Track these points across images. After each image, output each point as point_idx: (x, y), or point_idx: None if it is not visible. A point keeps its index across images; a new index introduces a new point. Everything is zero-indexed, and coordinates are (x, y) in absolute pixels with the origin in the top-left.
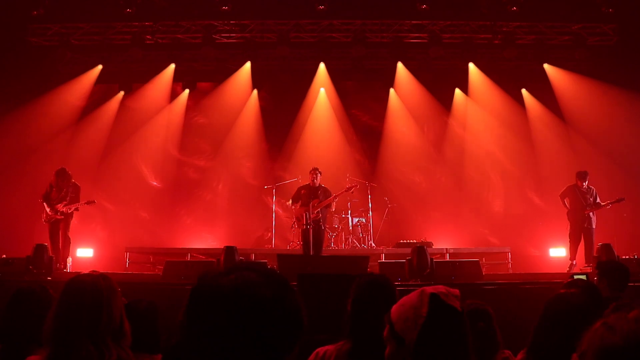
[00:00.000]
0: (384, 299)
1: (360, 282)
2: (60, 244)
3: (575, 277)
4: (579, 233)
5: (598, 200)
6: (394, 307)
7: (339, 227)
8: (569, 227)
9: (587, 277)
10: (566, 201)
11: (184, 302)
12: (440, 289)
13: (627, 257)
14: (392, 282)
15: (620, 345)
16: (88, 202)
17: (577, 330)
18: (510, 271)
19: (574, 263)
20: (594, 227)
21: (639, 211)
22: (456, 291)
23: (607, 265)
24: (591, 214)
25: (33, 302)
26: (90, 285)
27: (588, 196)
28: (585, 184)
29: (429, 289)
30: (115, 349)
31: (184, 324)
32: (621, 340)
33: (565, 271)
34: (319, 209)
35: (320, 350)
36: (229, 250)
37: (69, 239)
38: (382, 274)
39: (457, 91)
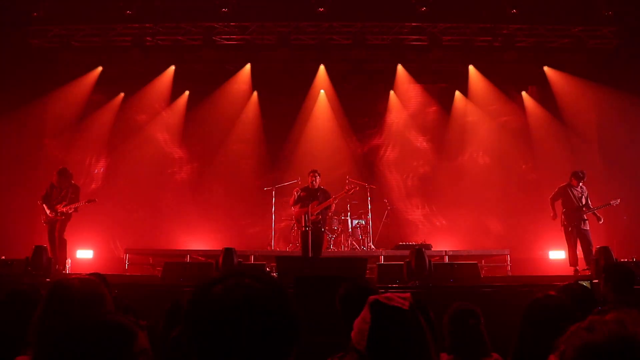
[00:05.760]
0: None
1: (343, 291)
2: (56, 246)
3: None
4: (574, 235)
5: (589, 202)
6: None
7: (338, 229)
8: (563, 230)
9: (590, 283)
10: (557, 204)
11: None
12: (385, 295)
13: (626, 259)
14: (373, 285)
15: (601, 343)
16: (89, 201)
17: (557, 333)
18: (510, 274)
19: (578, 269)
20: (588, 228)
21: (637, 214)
22: (406, 294)
23: (612, 268)
24: (584, 215)
25: (23, 303)
26: (64, 288)
27: (581, 197)
28: (580, 184)
29: (372, 297)
30: None
31: (183, 332)
32: (602, 339)
33: (570, 274)
34: (319, 211)
35: None
36: (228, 252)
37: (65, 240)
38: (365, 280)
39: (457, 93)
